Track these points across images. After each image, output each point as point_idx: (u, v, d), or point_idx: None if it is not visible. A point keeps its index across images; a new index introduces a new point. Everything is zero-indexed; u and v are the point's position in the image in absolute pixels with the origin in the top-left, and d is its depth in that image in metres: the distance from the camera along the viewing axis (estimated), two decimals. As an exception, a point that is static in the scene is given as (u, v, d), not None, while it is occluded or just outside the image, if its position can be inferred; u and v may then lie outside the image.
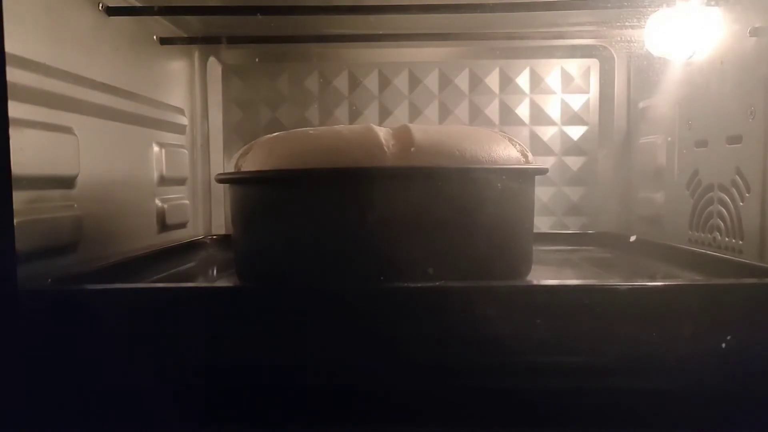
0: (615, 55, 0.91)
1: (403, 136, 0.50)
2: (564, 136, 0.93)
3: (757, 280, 0.52)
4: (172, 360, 0.45)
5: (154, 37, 0.79)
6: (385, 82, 0.93)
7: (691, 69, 0.71)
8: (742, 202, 0.62)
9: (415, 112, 0.93)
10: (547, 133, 0.93)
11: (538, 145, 0.92)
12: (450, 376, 0.45)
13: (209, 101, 0.93)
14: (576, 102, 0.92)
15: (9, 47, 0.45)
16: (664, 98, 0.79)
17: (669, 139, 0.78)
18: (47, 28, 0.54)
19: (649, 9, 0.68)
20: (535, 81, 0.92)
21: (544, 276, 0.62)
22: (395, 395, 0.45)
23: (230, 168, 0.55)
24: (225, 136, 0.94)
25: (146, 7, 0.71)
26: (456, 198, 0.48)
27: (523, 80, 0.92)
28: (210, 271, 0.75)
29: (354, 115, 0.92)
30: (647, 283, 0.47)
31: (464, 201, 0.49)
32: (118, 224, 0.67)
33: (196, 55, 0.92)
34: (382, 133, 0.50)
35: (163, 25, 0.81)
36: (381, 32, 0.82)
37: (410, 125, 0.51)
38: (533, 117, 0.93)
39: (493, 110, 0.92)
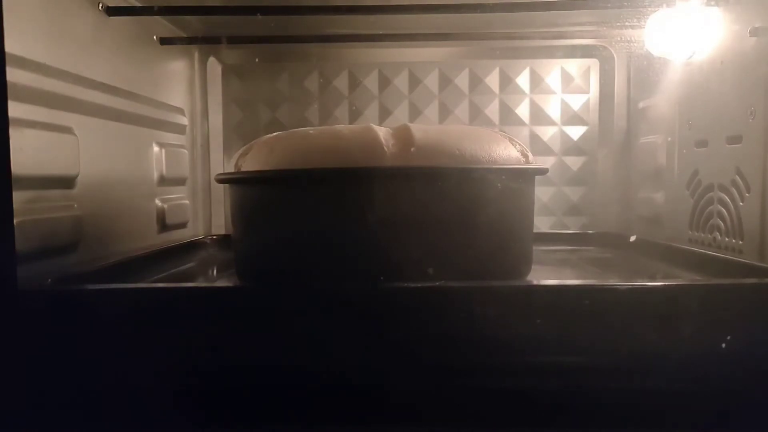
0: (615, 55, 0.91)
1: (403, 136, 0.50)
2: (564, 136, 0.93)
3: (757, 280, 0.52)
4: (172, 360, 0.45)
5: (154, 37, 0.79)
6: (385, 82, 0.93)
7: (691, 69, 0.71)
8: (742, 202, 0.62)
9: (415, 112, 0.93)
10: (547, 133, 0.93)
11: (538, 145, 0.92)
12: (450, 376, 0.45)
13: (209, 101, 0.93)
14: (576, 102, 0.92)
15: (9, 47, 0.45)
16: (664, 98, 0.79)
17: (669, 139, 0.78)
18: (47, 28, 0.54)
19: (649, 9, 0.68)
20: (535, 81, 0.92)
21: (544, 276, 0.62)
22: (396, 395, 0.45)
23: (230, 168, 0.55)
24: (225, 136, 0.94)
25: (146, 7, 0.71)
26: (456, 198, 0.49)
27: (523, 80, 0.92)
28: (210, 271, 0.75)
29: (354, 115, 0.92)
30: (647, 283, 0.47)
31: (464, 201, 0.49)
32: (118, 224, 0.67)
33: (196, 55, 0.92)
34: (382, 132, 0.50)
35: (163, 25, 0.81)
36: (381, 32, 0.82)
37: (410, 125, 0.51)
38: (533, 117, 0.93)
39: (493, 110, 0.92)
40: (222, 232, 0.92)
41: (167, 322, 0.45)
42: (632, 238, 0.78)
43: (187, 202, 0.88)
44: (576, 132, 0.93)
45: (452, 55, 0.93)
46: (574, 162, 0.93)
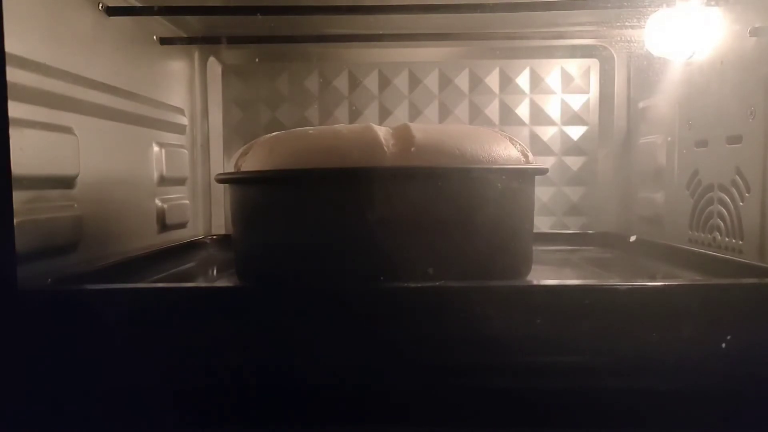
0: (615, 55, 0.91)
1: (403, 136, 0.50)
2: (564, 136, 0.93)
3: (757, 280, 0.52)
4: (171, 360, 0.45)
5: (154, 37, 0.79)
6: (385, 82, 0.93)
7: (691, 69, 0.71)
8: (742, 202, 0.62)
9: (415, 112, 0.93)
10: (547, 133, 0.93)
11: (538, 145, 0.92)
12: (450, 376, 0.45)
13: (209, 101, 0.93)
14: (576, 102, 0.92)
15: (9, 47, 0.45)
16: (664, 98, 0.79)
17: (669, 139, 0.78)
18: (47, 28, 0.54)
19: (649, 9, 0.68)
20: (535, 81, 0.92)
21: (544, 276, 0.62)
22: (396, 395, 0.45)
23: (230, 168, 0.55)
24: (225, 136, 0.94)
25: (146, 7, 0.71)
26: (456, 198, 0.48)
27: (523, 80, 0.92)
28: (210, 271, 0.75)
29: (354, 115, 0.92)
30: (647, 283, 0.47)
31: (464, 201, 0.49)
32: (118, 224, 0.67)
33: (196, 55, 0.92)
34: (382, 132, 0.50)
35: (163, 25, 0.81)
36: (381, 32, 0.82)
37: (410, 124, 0.51)
38: (533, 117, 0.93)
39: (493, 110, 0.92)
40: (222, 232, 0.92)
41: (167, 322, 0.45)
42: (632, 238, 0.78)
43: (187, 202, 0.88)
44: (576, 132, 0.93)
45: (452, 55, 0.93)
46: (574, 162, 0.93)
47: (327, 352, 0.44)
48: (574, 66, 0.92)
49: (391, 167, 0.49)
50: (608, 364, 0.44)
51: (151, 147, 0.77)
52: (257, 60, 0.93)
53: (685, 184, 0.73)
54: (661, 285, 0.47)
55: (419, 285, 0.45)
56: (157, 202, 0.78)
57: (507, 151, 0.52)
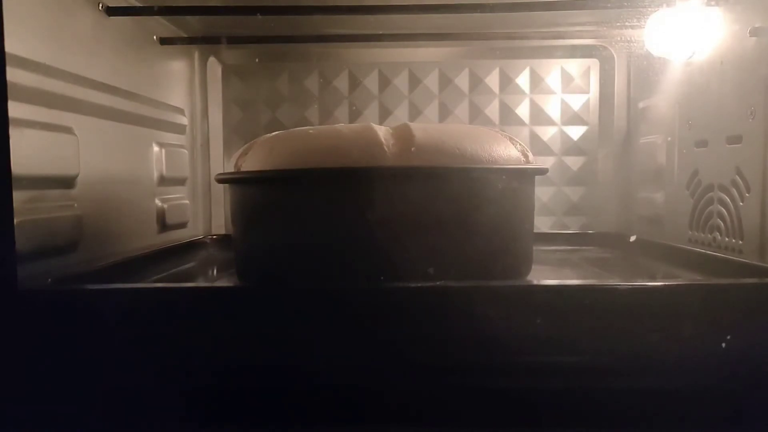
0: (615, 55, 0.91)
1: (403, 135, 0.50)
2: (564, 136, 0.93)
3: (757, 280, 0.52)
4: (171, 360, 0.45)
5: (154, 37, 0.79)
6: (385, 82, 0.93)
7: (691, 69, 0.71)
8: (742, 202, 0.62)
9: (415, 112, 0.93)
10: (547, 133, 0.93)
11: (538, 145, 0.92)
12: (450, 376, 0.45)
13: (209, 101, 0.93)
14: (576, 102, 0.92)
15: (9, 47, 0.45)
16: (664, 98, 0.79)
17: (669, 139, 0.78)
18: (47, 28, 0.54)
19: (649, 9, 0.68)
20: (535, 81, 0.92)
21: (544, 276, 0.62)
22: (395, 395, 0.45)
23: (230, 168, 0.55)
24: (225, 136, 0.94)
25: (146, 7, 0.71)
26: (456, 198, 0.48)
27: (523, 80, 0.92)
28: (210, 271, 0.75)
29: (354, 115, 0.92)
30: (647, 283, 0.47)
31: (464, 201, 0.49)
32: (118, 224, 0.67)
33: (196, 55, 0.92)
34: (382, 132, 0.50)
35: (163, 25, 0.81)
36: (381, 32, 0.82)
37: (410, 124, 0.51)
38: (533, 117, 0.93)
39: (493, 110, 0.92)
40: (222, 232, 0.92)
41: (167, 322, 0.45)
42: (632, 238, 0.78)
43: (187, 202, 0.88)
44: (576, 132, 0.93)
45: (452, 55, 0.93)
46: (574, 162, 0.93)
47: (327, 352, 0.44)
48: (574, 66, 0.92)
49: (391, 167, 0.48)
50: (608, 364, 0.44)
51: (151, 147, 0.77)
52: (257, 60, 0.93)
53: (685, 184, 0.74)
54: (661, 285, 0.47)
55: (419, 285, 0.45)
56: (157, 202, 0.78)
57: (507, 151, 0.52)
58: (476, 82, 0.92)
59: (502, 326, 0.44)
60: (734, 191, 0.63)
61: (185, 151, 0.88)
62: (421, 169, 0.48)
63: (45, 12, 0.54)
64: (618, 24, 0.80)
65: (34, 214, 0.50)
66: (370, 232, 0.47)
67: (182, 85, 0.89)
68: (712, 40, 0.66)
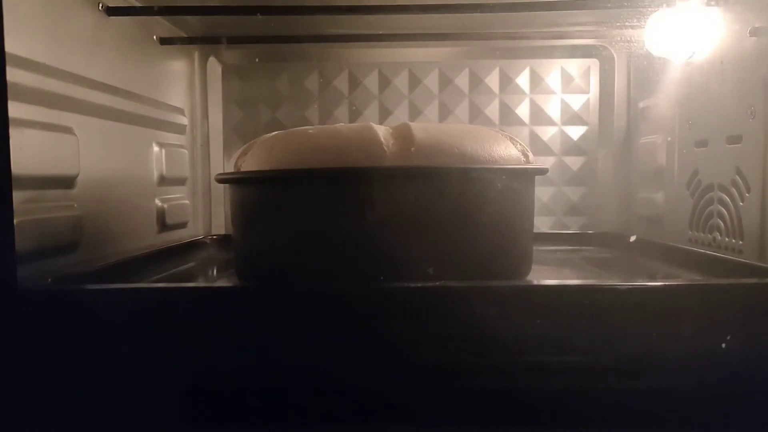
0: (615, 55, 0.91)
1: (403, 135, 0.50)
2: (564, 136, 0.93)
3: (757, 280, 0.52)
4: (171, 360, 0.45)
5: (154, 37, 0.79)
6: (385, 82, 0.93)
7: (691, 69, 0.71)
8: (742, 202, 0.62)
9: (415, 112, 0.93)
10: (547, 133, 0.93)
11: (538, 145, 0.92)
12: (451, 376, 0.45)
13: (209, 101, 0.93)
14: (576, 102, 0.92)
15: (9, 47, 0.45)
16: (664, 98, 0.79)
17: (669, 139, 0.78)
18: (47, 28, 0.54)
19: (649, 9, 0.68)
20: (535, 81, 0.92)
21: (544, 276, 0.62)
22: (396, 395, 0.45)
23: (230, 168, 0.55)
24: (225, 136, 0.94)
25: (146, 7, 0.71)
26: (456, 198, 0.48)
27: (523, 80, 0.92)
28: (210, 271, 0.75)
29: (354, 115, 0.93)
30: (647, 283, 0.47)
31: (464, 201, 0.49)
32: (118, 224, 0.67)
33: (196, 55, 0.92)
34: (382, 131, 0.50)
35: (163, 25, 0.81)
36: (381, 32, 0.82)
37: (410, 123, 0.51)
38: (533, 117, 0.93)
39: (493, 110, 0.92)
40: (222, 232, 0.92)
41: (167, 322, 0.45)
42: (632, 238, 0.78)
43: (187, 202, 0.88)
44: (576, 132, 0.93)
45: (452, 55, 0.93)
46: (574, 162, 0.93)
47: (327, 352, 0.44)
48: (574, 66, 0.92)
49: (391, 167, 0.48)
50: (608, 364, 0.44)
51: (151, 147, 0.77)
52: (257, 60, 0.93)
53: (685, 184, 0.74)
54: (661, 285, 0.47)
55: (419, 285, 0.45)
56: (157, 202, 0.78)
57: (507, 151, 0.52)
58: (476, 82, 0.92)
59: (502, 326, 0.44)
60: (734, 191, 0.63)
61: (185, 151, 0.88)
62: (421, 169, 0.48)
63: (45, 12, 0.54)
64: (618, 24, 0.80)
65: (34, 214, 0.50)
66: (370, 232, 0.47)
67: (182, 85, 0.89)
68: (712, 40, 0.66)
